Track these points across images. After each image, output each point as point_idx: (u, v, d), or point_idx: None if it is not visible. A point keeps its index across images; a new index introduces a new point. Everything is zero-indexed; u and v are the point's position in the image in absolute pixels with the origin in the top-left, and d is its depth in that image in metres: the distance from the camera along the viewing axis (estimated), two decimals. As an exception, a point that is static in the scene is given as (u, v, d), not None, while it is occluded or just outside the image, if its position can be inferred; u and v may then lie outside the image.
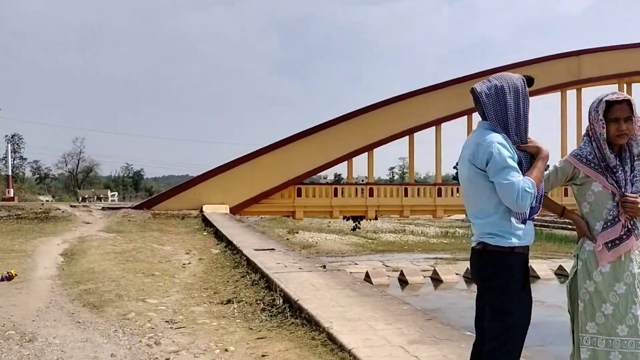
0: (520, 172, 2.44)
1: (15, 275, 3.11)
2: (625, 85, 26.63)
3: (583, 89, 26.86)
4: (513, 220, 2.46)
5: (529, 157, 2.54)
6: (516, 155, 2.49)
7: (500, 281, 2.45)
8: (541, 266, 19.95)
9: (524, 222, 2.46)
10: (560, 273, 19.46)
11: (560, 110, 26.83)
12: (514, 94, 2.54)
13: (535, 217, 2.58)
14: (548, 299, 12.88)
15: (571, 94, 26.69)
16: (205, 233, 14.00)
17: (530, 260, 2.67)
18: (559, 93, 26.55)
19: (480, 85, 2.60)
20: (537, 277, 19.14)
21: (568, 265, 20.02)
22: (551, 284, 17.75)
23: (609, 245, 2.52)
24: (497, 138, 2.46)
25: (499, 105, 2.53)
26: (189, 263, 9.20)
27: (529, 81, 2.58)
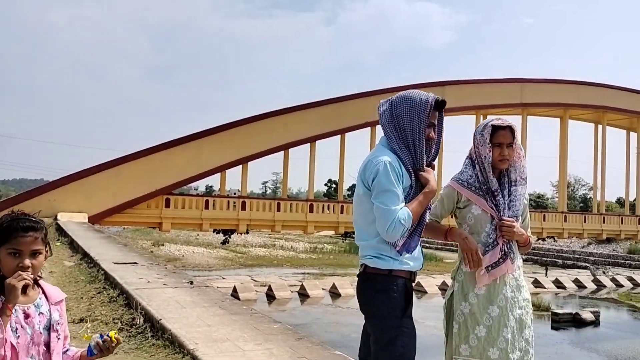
0: (403, 200, 2.32)
1: (116, 341, 1.67)
2: (482, 116, 29.07)
3: (445, 117, 28.80)
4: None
5: (421, 187, 2.41)
6: (409, 180, 2.38)
7: (378, 306, 2.30)
8: (427, 281, 21.07)
9: (399, 253, 2.32)
10: (444, 288, 20.60)
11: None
12: (411, 114, 2.38)
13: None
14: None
15: (435, 121, 28.57)
16: (58, 243, 12.78)
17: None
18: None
19: (383, 102, 2.47)
20: (425, 292, 20.15)
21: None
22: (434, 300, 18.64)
23: (488, 269, 2.54)
24: (387, 157, 2.33)
25: (395, 124, 2.40)
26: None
27: (440, 103, 2.43)
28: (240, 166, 24.37)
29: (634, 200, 37.41)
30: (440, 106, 2.45)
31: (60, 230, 15.07)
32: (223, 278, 21.73)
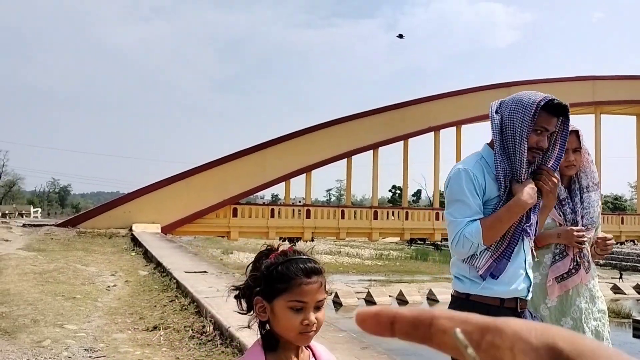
0: (480, 212, 2.04)
1: None
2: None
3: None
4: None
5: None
6: (497, 191, 2.07)
7: None
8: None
9: (482, 277, 2.04)
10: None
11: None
12: (513, 116, 2.05)
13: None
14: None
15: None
16: (133, 253, 13.36)
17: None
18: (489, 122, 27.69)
19: (493, 103, 2.20)
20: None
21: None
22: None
23: (558, 279, 2.44)
24: (464, 165, 2.10)
25: (499, 126, 2.10)
26: (114, 285, 8.68)
27: (555, 107, 2.03)
28: (304, 174, 24.63)
29: None
30: (558, 110, 2.04)
31: (136, 241, 15.74)
32: (290, 286, 21.95)
